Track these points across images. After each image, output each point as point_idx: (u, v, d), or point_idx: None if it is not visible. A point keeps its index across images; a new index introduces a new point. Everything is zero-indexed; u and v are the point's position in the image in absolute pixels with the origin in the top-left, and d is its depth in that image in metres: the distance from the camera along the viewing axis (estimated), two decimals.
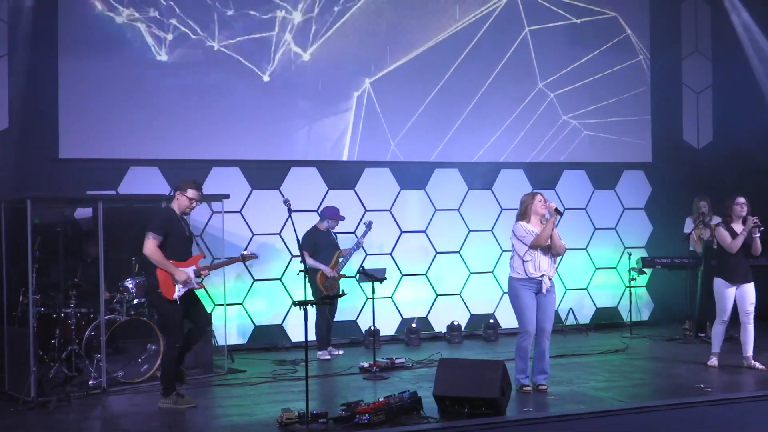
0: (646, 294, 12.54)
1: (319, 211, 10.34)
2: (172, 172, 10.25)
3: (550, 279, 7.85)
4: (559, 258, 8.06)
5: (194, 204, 7.67)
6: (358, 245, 10.02)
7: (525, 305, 7.83)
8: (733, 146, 12.50)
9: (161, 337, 7.68)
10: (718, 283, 8.84)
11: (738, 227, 8.81)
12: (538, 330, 7.92)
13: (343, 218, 10.08)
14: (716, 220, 10.74)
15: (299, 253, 7.46)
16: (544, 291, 7.82)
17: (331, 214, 9.99)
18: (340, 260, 9.92)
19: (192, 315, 7.71)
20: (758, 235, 8.71)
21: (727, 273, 8.79)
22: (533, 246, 7.77)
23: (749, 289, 8.79)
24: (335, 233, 10.17)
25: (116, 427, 7.00)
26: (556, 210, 7.78)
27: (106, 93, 10.02)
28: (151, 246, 7.33)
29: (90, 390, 7.97)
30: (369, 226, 10.12)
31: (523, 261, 7.81)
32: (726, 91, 12.83)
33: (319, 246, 9.84)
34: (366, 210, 11.08)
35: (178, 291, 7.42)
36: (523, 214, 7.95)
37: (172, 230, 7.44)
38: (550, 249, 7.84)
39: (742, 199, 8.85)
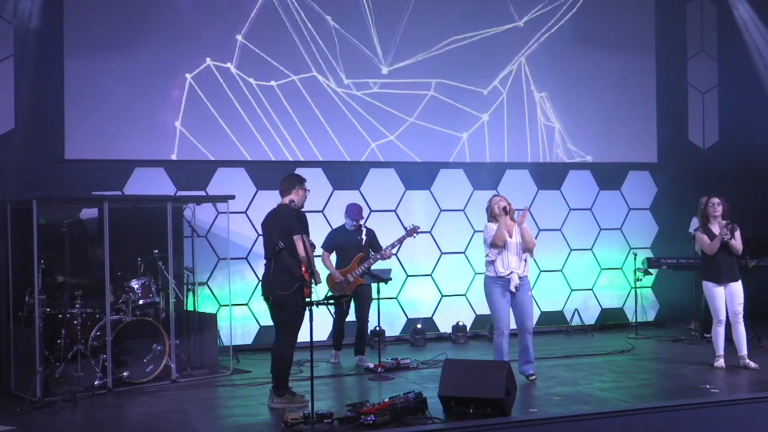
0: (651, 295, 12.52)
1: (331, 212, 10.28)
2: (177, 173, 10.29)
3: (520, 277, 8.14)
4: (529, 256, 8.32)
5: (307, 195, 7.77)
6: (383, 256, 9.38)
7: (496, 303, 8.17)
8: (739, 146, 12.50)
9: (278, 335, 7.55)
10: (706, 285, 8.93)
11: (715, 228, 8.85)
12: (518, 328, 8.24)
13: (359, 217, 9.58)
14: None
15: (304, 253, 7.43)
16: (513, 288, 8.10)
17: (347, 212, 9.58)
18: (363, 264, 9.39)
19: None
20: (728, 237, 8.73)
21: (712, 274, 8.88)
22: (492, 245, 8.14)
23: (737, 288, 8.84)
24: (368, 230, 9.65)
25: (122, 427, 7.02)
26: (504, 209, 8.12)
27: (112, 94, 10.03)
28: (304, 248, 7.28)
29: (96, 390, 7.98)
30: (410, 232, 9.53)
31: (492, 260, 8.14)
32: (732, 92, 12.81)
33: (338, 245, 9.53)
34: (371, 211, 11.09)
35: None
36: (489, 216, 8.36)
37: (304, 228, 7.48)
38: (522, 247, 8.17)
39: (715, 200, 8.96)
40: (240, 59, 10.57)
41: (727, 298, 8.85)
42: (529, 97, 11.88)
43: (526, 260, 8.26)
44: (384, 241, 9.64)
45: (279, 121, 10.74)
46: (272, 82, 10.68)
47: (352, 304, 9.60)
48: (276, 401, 7.40)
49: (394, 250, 9.63)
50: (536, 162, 11.92)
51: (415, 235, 9.61)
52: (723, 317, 8.86)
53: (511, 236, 8.19)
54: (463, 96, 11.55)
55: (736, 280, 8.85)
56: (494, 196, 8.45)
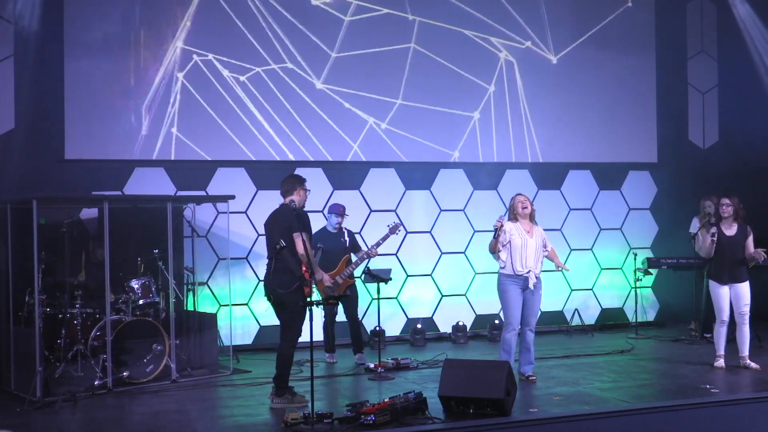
0: (651, 295, 12.52)
1: (325, 212, 10.25)
2: (177, 173, 10.29)
3: (536, 276, 8.24)
4: (544, 256, 8.47)
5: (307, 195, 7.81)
6: (369, 254, 9.51)
7: (510, 300, 8.24)
8: (739, 146, 12.49)
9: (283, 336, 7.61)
10: (711, 284, 8.97)
11: (725, 228, 8.84)
12: (523, 323, 8.30)
13: (343, 210, 9.63)
14: None
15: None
16: (531, 286, 8.20)
17: (332, 210, 9.67)
18: (350, 266, 9.48)
19: None
20: (712, 236, 8.81)
21: (714, 274, 8.93)
22: (490, 251, 8.33)
23: (743, 290, 8.84)
24: (349, 232, 9.75)
25: (122, 427, 7.02)
26: (496, 230, 8.19)
27: (112, 93, 10.04)
28: (303, 246, 7.33)
29: (96, 390, 7.98)
30: (393, 229, 9.59)
31: (511, 258, 8.22)
32: (732, 91, 12.81)
33: (323, 249, 9.54)
34: (371, 211, 11.09)
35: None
36: (511, 214, 8.44)
37: (306, 227, 7.51)
38: (540, 248, 8.30)
39: (725, 200, 8.97)
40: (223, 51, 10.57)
41: (733, 299, 8.84)
42: (530, 95, 11.88)
43: (542, 260, 8.39)
44: (369, 239, 9.76)
45: (279, 120, 10.73)
46: (259, 68, 10.66)
47: (340, 306, 9.61)
48: (276, 401, 7.40)
49: (379, 249, 9.63)
50: (536, 162, 11.92)
51: (397, 232, 9.67)
52: (726, 318, 8.85)
53: (531, 236, 8.30)
54: (457, 95, 11.56)
55: (741, 282, 8.84)
56: (519, 195, 8.49)
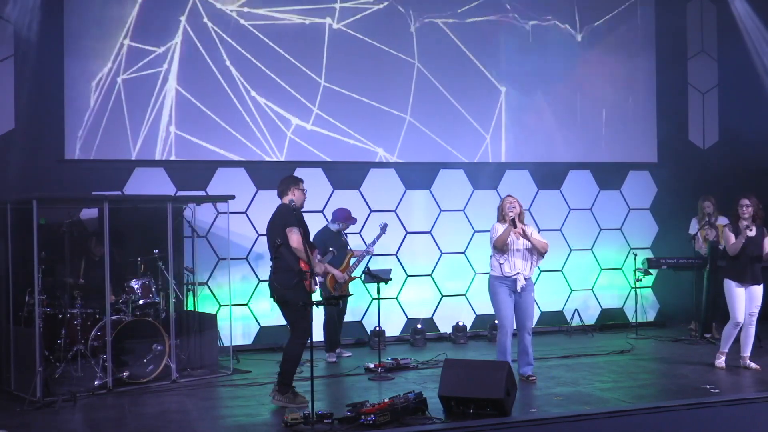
0: (651, 295, 12.51)
1: (330, 213, 10.25)
2: (177, 173, 10.29)
3: (525, 278, 8.26)
4: (539, 258, 8.40)
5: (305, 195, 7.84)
6: (368, 252, 9.95)
7: (501, 302, 8.29)
8: (739, 146, 12.48)
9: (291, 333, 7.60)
10: (728, 284, 8.83)
11: (748, 229, 8.77)
12: (518, 327, 8.34)
13: (354, 220, 10.01)
14: (722, 220, 10.74)
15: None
16: (518, 289, 8.23)
17: (342, 217, 9.87)
18: (352, 262, 9.80)
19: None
20: (752, 233, 8.67)
21: (735, 274, 8.79)
22: (495, 247, 8.29)
23: (758, 291, 8.79)
24: (345, 234, 10.06)
25: (122, 427, 7.01)
26: (512, 221, 8.22)
27: (112, 93, 10.03)
28: (298, 239, 7.32)
29: (96, 390, 7.99)
30: (383, 228, 10.08)
31: (498, 261, 8.26)
32: (732, 91, 12.80)
33: (329, 247, 9.68)
34: (371, 211, 11.08)
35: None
36: (499, 215, 8.44)
37: (302, 225, 7.49)
38: (529, 249, 8.28)
39: (745, 201, 8.86)
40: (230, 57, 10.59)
41: (746, 300, 8.76)
42: (530, 95, 11.87)
43: (532, 262, 8.34)
44: (368, 240, 10.18)
45: (278, 120, 10.74)
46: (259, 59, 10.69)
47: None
48: (277, 398, 7.42)
49: (375, 247, 10.06)
50: (536, 162, 11.91)
51: (386, 230, 10.12)
52: (741, 320, 8.75)
53: (518, 238, 8.29)
54: (462, 97, 11.57)
55: (759, 283, 8.78)
56: (507, 196, 8.50)
